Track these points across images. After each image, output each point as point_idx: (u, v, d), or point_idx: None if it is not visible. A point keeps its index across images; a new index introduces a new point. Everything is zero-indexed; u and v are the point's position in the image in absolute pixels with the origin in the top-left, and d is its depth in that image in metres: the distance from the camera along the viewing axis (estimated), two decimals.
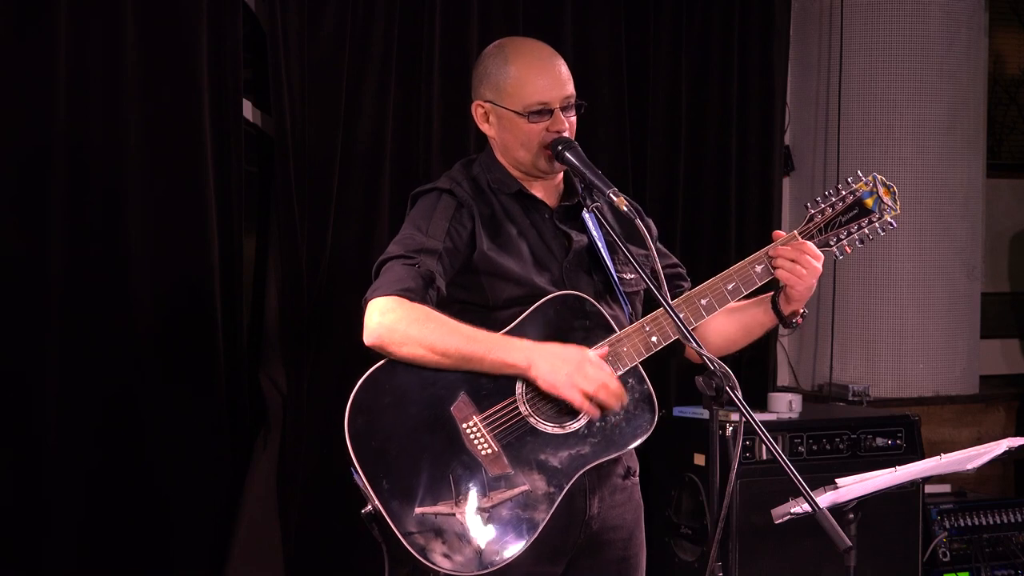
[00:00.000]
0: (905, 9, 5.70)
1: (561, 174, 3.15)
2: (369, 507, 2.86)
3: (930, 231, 5.71)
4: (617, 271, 3.11)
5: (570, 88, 3.09)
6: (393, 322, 2.90)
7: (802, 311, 3.12)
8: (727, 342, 3.19)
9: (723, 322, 3.16)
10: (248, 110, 4.84)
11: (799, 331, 5.90)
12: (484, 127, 3.14)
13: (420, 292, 2.93)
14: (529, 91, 3.05)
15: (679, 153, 5.54)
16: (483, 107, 3.13)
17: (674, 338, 3.00)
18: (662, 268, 3.01)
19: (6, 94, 4.35)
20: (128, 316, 4.51)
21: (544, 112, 3.05)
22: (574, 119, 3.10)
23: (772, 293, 3.12)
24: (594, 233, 3.09)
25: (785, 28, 5.81)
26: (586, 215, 3.09)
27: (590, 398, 2.89)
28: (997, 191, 6.36)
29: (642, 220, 3.00)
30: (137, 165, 4.51)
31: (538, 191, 3.13)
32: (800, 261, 3.02)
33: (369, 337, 2.92)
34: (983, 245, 6.03)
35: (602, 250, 3.09)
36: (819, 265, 3.03)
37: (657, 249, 3.09)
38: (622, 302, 3.11)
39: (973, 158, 5.89)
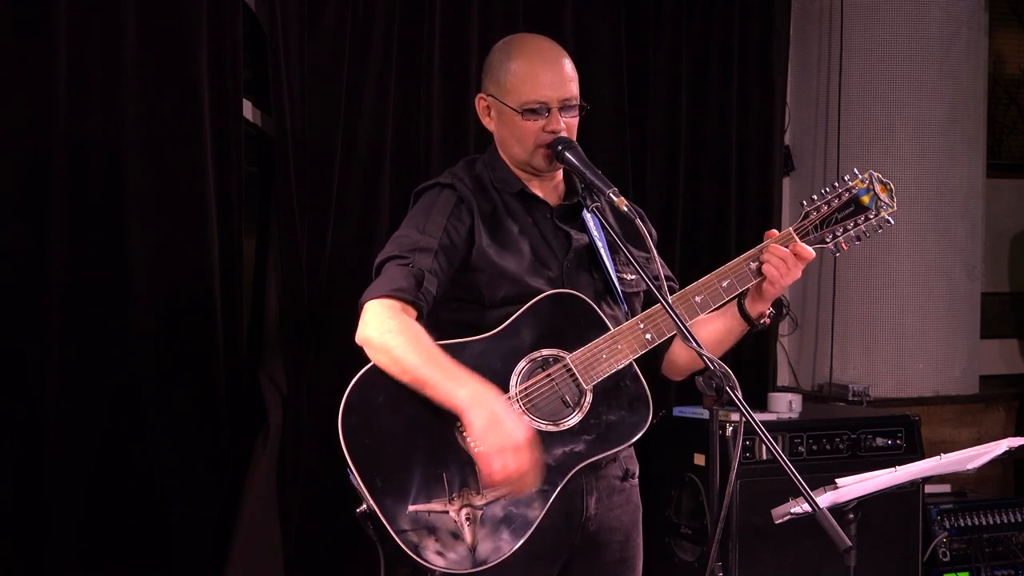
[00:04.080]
0: (905, 9, 5.70)
1: (561, 173, 3.15)
2: (364, 506, 2.86)
3: (930, 231, 5.70)
4: (617, 271, 3.11)
5: (572, 89, 3.08)
6: (374, 327, 2.92)
7: (769, 311, 3.12)
8: (696, 358, 3.15)
9: (694, 335, 3.12)
10: (248, 110, 4.83)
11: (799, 331, 5.90)
12: (485, 120, 3.15)
13: (412, 291, 2.94)
14: (527, 89, 3.05)
15: (679, 153, 5.54)
16: (485, 100, 3.13)
17: (668, 335, 3.00)
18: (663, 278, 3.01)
19: (6, 94, 4.35)
20: (128, 316, 4.50)
21: (540, 111, 3.05)
22: (575, 121, 3.09)
23: (736, 299, 3.09)
24: (595, 233, 3.09)
25: (785, 28, 5.81)
26: (587, 215, 3.08)
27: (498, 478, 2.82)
28: (997, 191, 6.36)
29: (643, 223, 3.00)
30: (137, 165, 4.51)
31: (538, 190, 3.13)
32: (788, 262, 3.02)
33: (357, 338, 2.96)
34: (983, 245, 6.03)
35: (602, 250, 3.08)
36: (802, 266, 3.04)
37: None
38: (621, 302, 3.11)
39: (973, 158, 5.90)
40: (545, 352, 2.97)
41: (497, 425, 2.80)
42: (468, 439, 2.89)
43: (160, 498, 4.55)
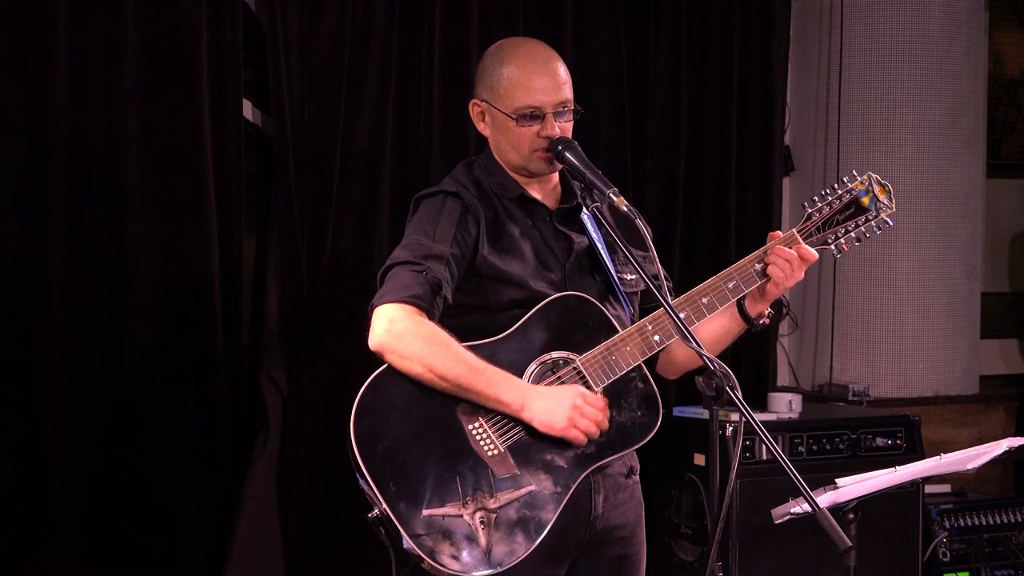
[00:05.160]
0: (905, 9, 5.70)
1: (556, 176, 3.15)
2: (376, 511, 2.86)
3: (930, 231, 5.70)
4: (617, 272, 3.11)
5: (566, 93, 3.07)
6: (400, 332, 2.89)
7: (768, 311, 3.13)
8: (694, 357, 3.15)
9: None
10: (248, 110, 4.83)
11: (799, 331, 5.90)
12: (480, 126, 3.15)
13: (428, 299, 2.93)
14: (520, 94, 3.04)
15: (679, 153, 5.54)
16: (479, 106, 3.13)
17: (676, 337, 3.00)
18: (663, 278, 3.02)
19: (6, 94, 4.35)
20: (128, 316, 4.50)
21: (535, 117, 3.04)
22: (569, 125, 3.08)
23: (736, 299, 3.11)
24: (593, 235, 3.09)
25: (785, 28, 5.81)
26: (585, 217, 3.09)
27: (589, 434, 2.94)
28: (997, 191, 6.36)
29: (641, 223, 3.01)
30: (137, 165, 4.51)
31: (536, 193, 3.13)
32: (793, 263, 3.04)
33: (374, 343, 2.92)
34: (983, 245, 6.03)
35: (602, 251, 3.09)
36: (804, 268, 3.07)
37: (650, 258, 3.08)
38: (624, 302, 3.11)
39: (973, 158, 5.89)
40: (555, 354, 2.99)
41: (551, 403, 2.89)
42: (481, 443, 2.91)
43: (160, 498, 4.55)
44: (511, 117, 3.05)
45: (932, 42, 5.71)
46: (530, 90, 3.04)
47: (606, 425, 2.94)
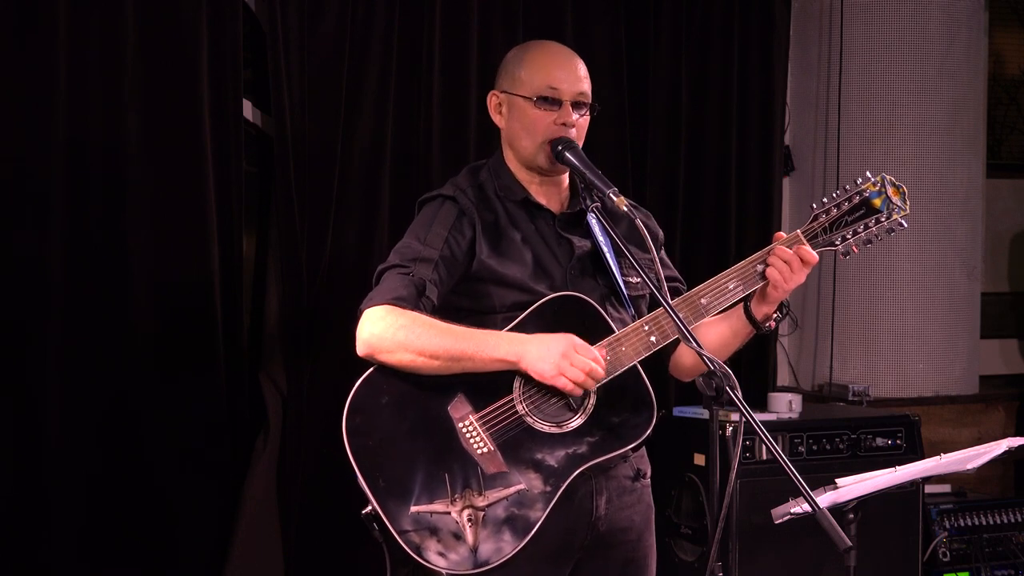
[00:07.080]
0: (905, 9, 5.70)
1: (566, 180, 3.15)
2: (369, 508, 2.87)
3: (930, 231, 5.70)
4: (623, 275, 3.10)
5: (584, 86, 3.10)
6: (383, 330, 2.91)
7: (775, 315, 3.11)
8: (700, 362, 3.15)
9: (700, 337, 3.03)
10: (248, 110, 4.83)
11: (799, 331, 5.90)
12: (496, 118, 3.16)
13: (412, 300, 2.95)
14: (541, 76, 3.07)
15: (679, 154, 5.54)
16: (497, 97, 3.15)
17: (673, 338, 2.99)
18: (664, 279, 3.01)
19: (6, 95, 4.35)
20: (128, 317, 4.51)
21: (553, 101, 3.06)
22: (585, 121, 3.11)
23: (742, 302, 3.08)
24: (599, 238, 3.09)
25: (785, 28, 5.81)
26: (591, 220, 3.08)
27: (578, 383, 2.91)
28: (997, 191, 6.36)
29: (647, 224, 3.00)
30: (137, 165, 4.51)
31: (542, 197, 3.13)
32: (793, 265, 3.01)
33: (360, 347, 2.94)
34: (983, 245, 6.03)
35: (607, 255, 3.08)
36: (807, 271, 3.03)
37: (660, 259, 3.08)
38: (627, 306, 3.10)
39: (973, 158, 5.89)
40: None
41: (543, 350, 2.88)
42: (471, 440, 2.91)
43: (160, 498, 4.55)
44: (530, 100, 3.06)
45: (932, 42, 5.71)
46: (551, 75, 3.07)
47: (601, 375, 2.92)
